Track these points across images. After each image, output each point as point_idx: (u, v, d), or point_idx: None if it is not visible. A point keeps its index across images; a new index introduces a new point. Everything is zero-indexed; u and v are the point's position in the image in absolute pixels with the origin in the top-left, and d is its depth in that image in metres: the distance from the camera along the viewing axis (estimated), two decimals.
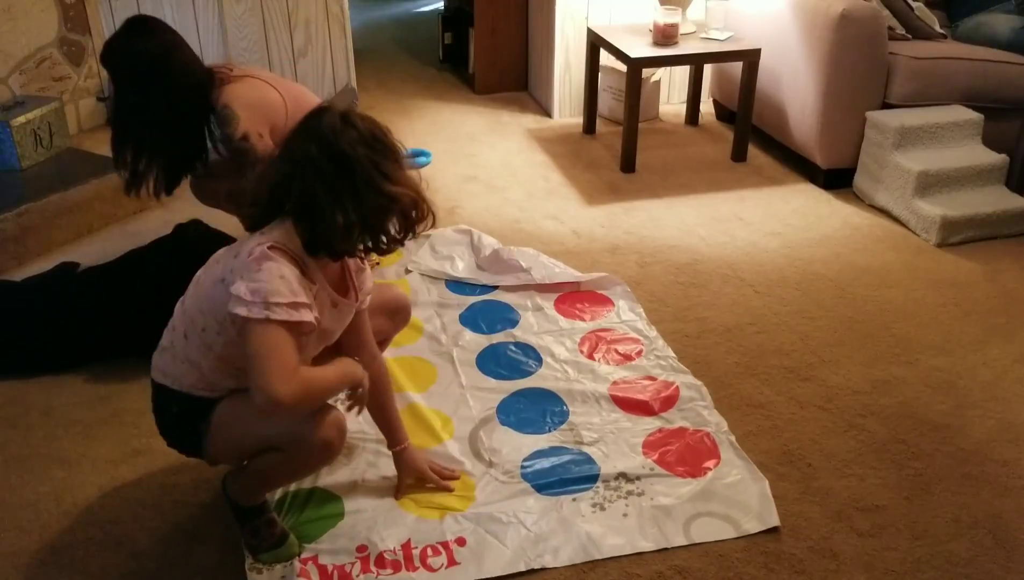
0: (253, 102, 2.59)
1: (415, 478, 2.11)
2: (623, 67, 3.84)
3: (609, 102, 4.36)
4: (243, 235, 1.82)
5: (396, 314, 2.19)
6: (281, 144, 1.76)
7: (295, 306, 1.64)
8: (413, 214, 1.75)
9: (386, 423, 2.09)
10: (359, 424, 2.30)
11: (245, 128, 2.55)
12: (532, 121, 4.42)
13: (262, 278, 1.62)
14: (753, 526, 2.02)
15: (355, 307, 1.89)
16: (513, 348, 2.65)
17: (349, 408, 1.86)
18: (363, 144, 1.67)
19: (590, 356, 2.61)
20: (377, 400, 2.06)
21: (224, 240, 2.71)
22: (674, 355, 2.61)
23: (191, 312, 1.78)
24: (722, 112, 4.41)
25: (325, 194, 1.66)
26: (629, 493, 2.10)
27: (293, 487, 2.09)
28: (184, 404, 1.80)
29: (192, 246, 2.70)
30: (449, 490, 2.08)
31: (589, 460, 2.20)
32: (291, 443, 1.76)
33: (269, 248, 1.66)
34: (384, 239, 1.76)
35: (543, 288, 2.92)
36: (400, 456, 2.10)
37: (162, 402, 1.84)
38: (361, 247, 1.77)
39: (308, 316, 1.67)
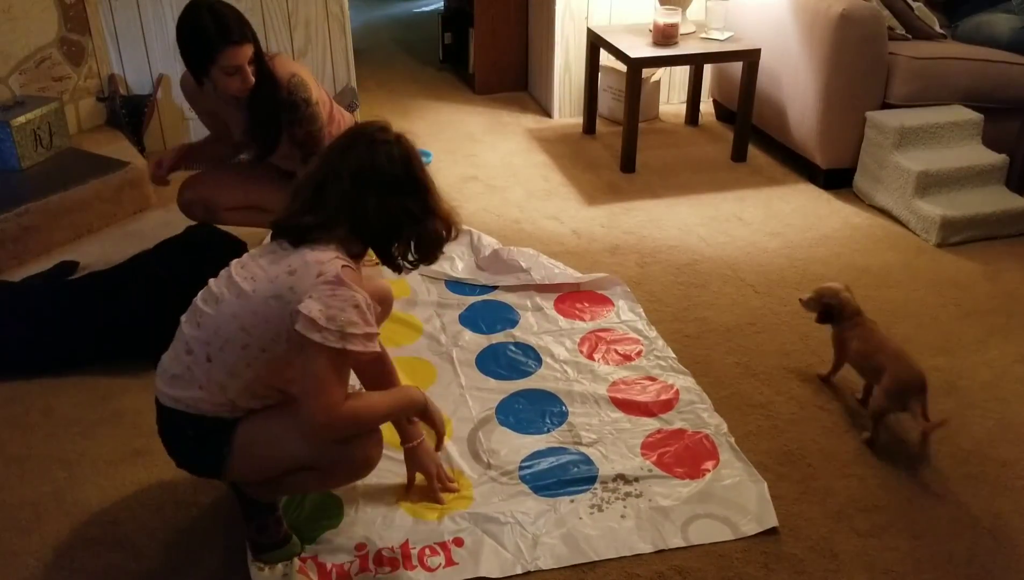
0: (305, 72, 2.71)
1: (424, 475, 2.10)
2: (623, 67, 3.84)
3: (609, 102, 4.35)
4: (255, 240, 1.83)
5: (379, 305, 2.18)
6: (335, 154, 1.79)
7: (369, 337, 1.67)
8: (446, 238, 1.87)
9: (399, 420, 2.08)
10: None
11: (317, 95, 2.68)
12: (532, 121, 4.42)
13: (337, 305, 1.64)
14: (751, 528, 2.01)
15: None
16: (513, 348, 2.65)
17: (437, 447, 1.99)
18: (420, 169, 1.81)
19: (590, 356, 2.61)
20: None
21: (233, 243, 2.70)
22: (674, 355, 2.61)
23: (225, 331, 1.71)
24: (722, 112, 4.41)
25: (407, 213, 1.77)
26: (627, 495, 2.10)
27: None
28: (200, 427, 1.76)
29: (200, 248, 2.70)
30: (440, 502, 2.07)
31: (588, 461, 2.20)
32: (330, 461, 1.77)
33: (343, 268, 1.67)
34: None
35: (543, 288, 2.92)
36: (412, 453, 2.09)
37: (175, 426, 1.79)
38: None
39: (376, 346, 1.70)
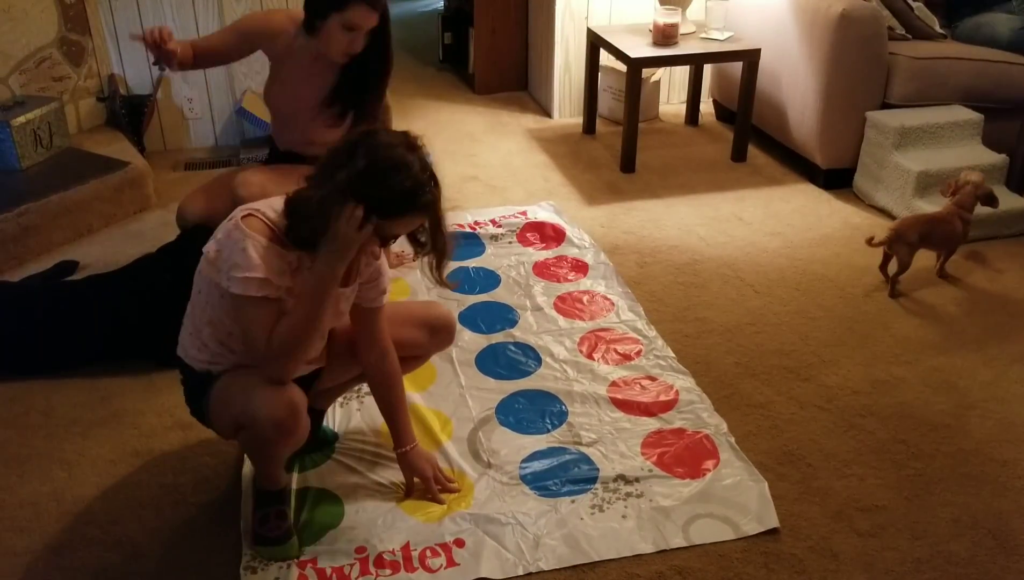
0: None
1: (421, 479, 2.09)
2: (623, 67, 3.84)
3: (609, 102, 4.35)
4: None
5: (438, 332, 2.17)
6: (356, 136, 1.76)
7: (248, 282, 1.69)
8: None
9: (394, 424, 2.08)
10: (358, 425, 2.30)
11: None
12: (532, 121, 4.42)
13: (228, 246, 1.71)
14: (752, 527, 2.01)
15: (349, 294, 1.89)
16: (512, 348, 2.65)
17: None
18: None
19: (589, 356, 2.61)
20: (387, 400, 2.06)
21: None
22: (674, 355, 2.61)
23: (193, 280, 1.85)
24: (722, 112, 4.41)
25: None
26: (628, 495, 2.10)
27: (295, 486, 2.09)
28: (192, 379, 1.90)
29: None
30: (441, 503, 2.07)
31: (588, 461, 2.20)
32: (247, 422, 1.79)
33: (243, 217, 1.72)
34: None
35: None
36: (405, 458, 2.08)
37: (182, 375, 1.94)
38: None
39: (258, 292, 1.70)
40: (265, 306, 1.72)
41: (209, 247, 1.75)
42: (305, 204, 1.71)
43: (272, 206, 1.76)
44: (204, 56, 2.62)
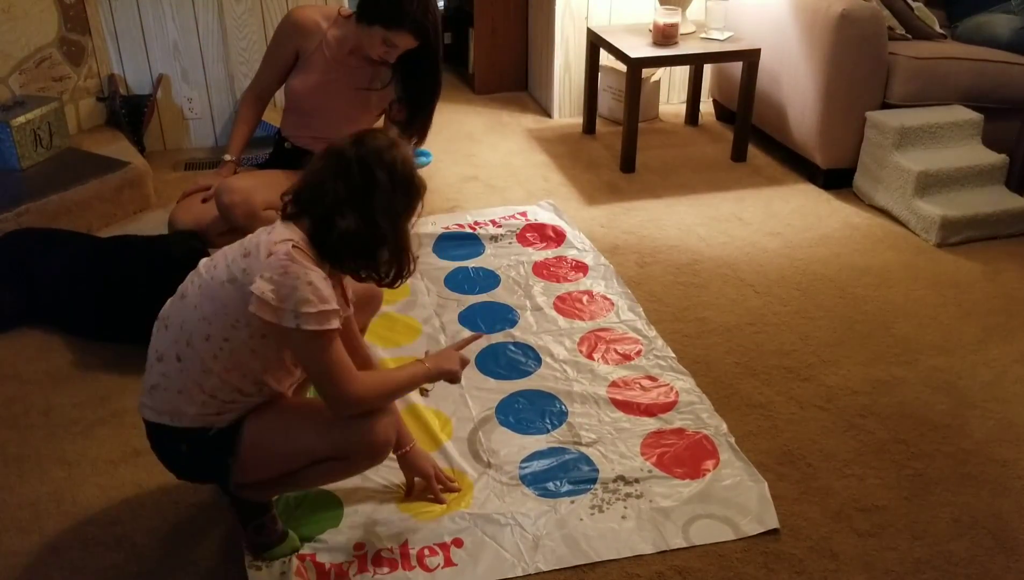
0: None
1: (423, 479, 2.09)
2: (623, 67, 3.84)
3: (609, 102, 4.35)
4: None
5: (367, 305, 2.17)
6: (348, 143, 1.75)
7: (324, 315, 1.62)
8: (395, 266, 1.77)
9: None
10: None
11: None
12: (532, 121, 4.42)
13: (288, 284, 1.60)
14: (752, 528, 2.01)
15: (347, 312, 1.88)
16: (512, 348, 2.64)
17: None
18: (394, 179, 1.70)
19: (589, 356, 2.61)
20: None
21: None
22: (674, 355, 2.61)
23: (189, 325, 1.69)
24: (722, 112, 4.41)
25: (347, 202, 1.68)
26: (628, 495, 2.10)
27: None
28: (194, 441, 1.73)
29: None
30: (442, 502, 2.07)
31: (588, 461, 2.20)
32: (349, 449, 1.76)
33: (294, 248, 1.63)
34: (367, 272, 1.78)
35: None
36: (406, 459, 2.07)
37: (165, 442, 1.77)
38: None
39: (336, 323, 1.65)
40: (338, 339, 1.67)
41: (264, 291, 1.59)
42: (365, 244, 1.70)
43: (293, 229, 1.70)
44: (261, 108, 2.85)
